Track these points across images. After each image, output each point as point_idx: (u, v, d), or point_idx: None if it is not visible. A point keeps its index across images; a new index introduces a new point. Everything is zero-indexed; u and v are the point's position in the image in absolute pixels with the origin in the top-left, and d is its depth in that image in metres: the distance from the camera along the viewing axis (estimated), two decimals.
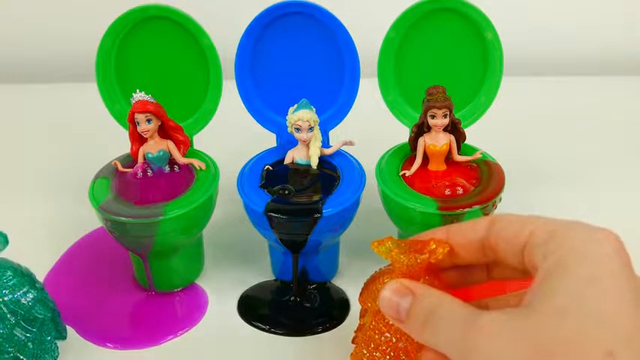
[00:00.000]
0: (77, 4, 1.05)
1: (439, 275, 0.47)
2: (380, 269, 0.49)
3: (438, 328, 0.36)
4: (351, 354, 0.51)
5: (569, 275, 0.31)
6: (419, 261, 0.44)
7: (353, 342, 0.51)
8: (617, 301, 0.30)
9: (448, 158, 0.60)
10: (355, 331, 0.51)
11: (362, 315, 0.50)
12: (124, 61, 0.62)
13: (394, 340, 0.46)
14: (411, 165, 0.59)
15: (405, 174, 0.58)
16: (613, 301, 0.30)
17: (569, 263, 0.32)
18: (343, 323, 0.57)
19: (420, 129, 0.59)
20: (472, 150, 0.61)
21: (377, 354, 0.47)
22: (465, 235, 0.41)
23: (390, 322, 0.46)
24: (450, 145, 0.59)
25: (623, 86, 1.01)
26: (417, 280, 0.45)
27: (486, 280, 0.43)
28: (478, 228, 0.40)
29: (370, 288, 0.48)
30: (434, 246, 0.44)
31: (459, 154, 0.59)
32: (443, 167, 0.59)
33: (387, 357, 0.47)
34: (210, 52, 0.61)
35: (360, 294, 0.49)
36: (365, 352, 0.48)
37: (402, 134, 0.63)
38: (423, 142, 0.59)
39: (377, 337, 0.47)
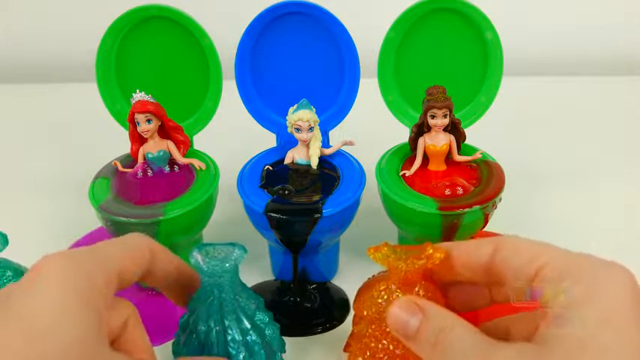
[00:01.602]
0: (77, 4, 1.05)
1: (435, 282, 0.47)
2: (374, 275, 0.49)
3: (450, 353, 0.36)
4: None
5: (585, 317, 0.32)
6: (416, 267, 0.44)
7: (345, 350, 0.51)
8: (630, 342, 0.31)
9: (448, 158, 0.60)
10: (348, 339, 0.51)
11: (356, 322, 0.49)
12: (124, 61, 0.62)
13: (391, 347, 0.46)
14: (411, 165, 0.59)
15: (405, 174, 0.58)
16: (627, 343, 0.31)
17: (584, 304, 0.33)
18: (343, 324, 0.57)
19: (420, 129, 0.59)
20: (472, 150, 0.61)
21: None
22: (470, 257, 0.41)
23: (388, 330, 0.46)
24: (450, 145, 0.59)
25: (623, 86, 1.01)
26: (414, 286, 0.45)
27: (490, 303, 0.43)
28: (483, 252, 0.40)
29: (366, 295, 0.48)
30: (431, 251, 0.44)
31: (459, 154, 0.60)
32: (443, 167, 0.59)
33: None
34: (210, 52, 0.61)
35: (355, 301, 0.49)
36: None
37: (402, 134, 0.63)
38: (423, 142, 0.59)
39: (373, 345, 0.47)
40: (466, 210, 0.54)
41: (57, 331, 0.32)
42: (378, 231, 0.63)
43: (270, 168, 0.60)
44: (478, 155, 0.60)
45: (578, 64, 1.07)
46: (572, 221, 0.69)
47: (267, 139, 0.64)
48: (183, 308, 0.49)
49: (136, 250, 0.40)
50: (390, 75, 0.63)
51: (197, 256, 0.45)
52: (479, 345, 0.35)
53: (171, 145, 0.60)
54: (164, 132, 0.60)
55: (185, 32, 0.61)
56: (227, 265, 0.45)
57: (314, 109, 0.58)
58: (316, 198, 0.55)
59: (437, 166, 0.59)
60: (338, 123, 0.64)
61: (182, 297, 0.46)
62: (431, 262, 0.44)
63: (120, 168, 0.60)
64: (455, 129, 0.59)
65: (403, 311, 0.39)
